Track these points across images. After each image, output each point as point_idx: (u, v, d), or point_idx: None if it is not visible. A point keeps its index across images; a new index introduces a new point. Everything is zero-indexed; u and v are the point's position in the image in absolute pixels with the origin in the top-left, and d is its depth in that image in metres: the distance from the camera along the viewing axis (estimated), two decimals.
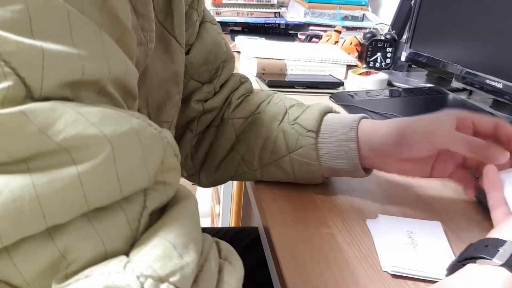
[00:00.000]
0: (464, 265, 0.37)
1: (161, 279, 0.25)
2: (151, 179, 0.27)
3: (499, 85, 0.82)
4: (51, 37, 0.23)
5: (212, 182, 0.63)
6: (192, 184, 0.68)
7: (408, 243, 0.47)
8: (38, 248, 0.24)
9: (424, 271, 0.43)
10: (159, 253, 0.25)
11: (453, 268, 0.38)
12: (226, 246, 0.34)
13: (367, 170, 0.55)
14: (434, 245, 0.47)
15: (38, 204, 0.23)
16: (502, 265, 0.34)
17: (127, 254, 0.26)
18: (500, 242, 0.36)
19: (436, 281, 0.42)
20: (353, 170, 0.54)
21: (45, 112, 0.23)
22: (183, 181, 0.63)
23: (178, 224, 0.28)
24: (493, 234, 0.39)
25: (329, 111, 0.57)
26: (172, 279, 0.25)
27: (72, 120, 0.24)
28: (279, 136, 0.55)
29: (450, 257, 0.46)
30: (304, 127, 0.54)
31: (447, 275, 0.39)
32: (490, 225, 0.52)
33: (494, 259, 0.35)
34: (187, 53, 0.56)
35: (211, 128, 0.61)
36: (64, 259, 0.24)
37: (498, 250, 0.35)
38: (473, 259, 0.37)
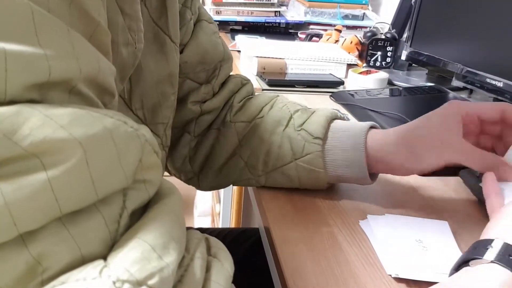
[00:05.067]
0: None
1: (138, 283, 0.24)
2: (129, 178, 0.26)
3: (500, 84, 0.82)
4: (14, 38, 0.22)
5: (213, 186, 0.62)
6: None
7: (411, 245, 0.46)
8: (12, 256, 0.23)
9: (431, 275, 0.42)
10: (137, 255, 0.25)
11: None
12: (216, 243, 0.33)
13: (373, 177, 0.55)
14: (440, 245, 0.47)
15: (8, 211, 0.22)
16: (492, 262, 0.35)
17: (105, 257, 0.25)
18: (488, 241, 0.37)
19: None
20: (360, 178, 0.54)
21: (10, 117, 0.22)
22: (170, 179, 0.63)
23: (158, 223, 0.27)
24: (481, 236, 0.39)
25: (335, 117, 0.56)
26: (150, 282, 0.24)
27: (40, 123, 0.23)
28: (285, 142, 0.55)
29: (456, 255, 0.45)
30: (311, 134, 0.53)
31: None
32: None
33: (484, 257, 0.36)
34: (181, 52, 0.55)
35: (212, 131, 0.60)
36: (40, 265, 0.23)
37: (487, 248, 0.36)
38: (465, 263, 0.37)
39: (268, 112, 0.58)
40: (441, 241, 0.48)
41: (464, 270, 0.37)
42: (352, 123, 0.55)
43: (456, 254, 0.46)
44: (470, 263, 0.37)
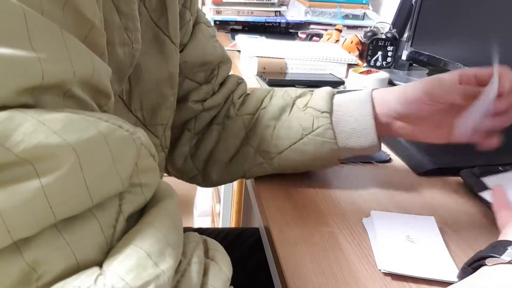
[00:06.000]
0: (474, 269, 0.38)
1: None
2: (125, 183, 0.26)
3: None
4: (6, 41, 0.22)
5: (223, 180, 0.62)
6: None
7: (403, 241, 0.47)
8: (6, 263, 0.23)
9: (420, 271, 0.43)
10: (132, 263, 0.25)
11: (464, 272, 0.39)
12: (214, 245, 0.33)
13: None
14: (429, 242, 0.47)
15: (1, 219, 0.22)
16: (510, 262, 0.35)
17: (101, 263, 0.25)
18: (507, 243, 0.37)
19: (433, 281, 0.42)
20: (370, 146, 0.55)
21: (2, 123, 0.22)
22: (170, 179, 0.62)
23: (154, 229, 0.27)
24: (500, 238, 0.39)
25: (335, 93, 0.58)
26: None
27: (32, 129, 0.22)
28: (293, 121, 0.56)
29: (445, 255, 0.46)
30: (318, 110, 0.55)
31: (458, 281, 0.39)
32: (489, 223, 0.52)
33: (502, 257, 0.35)
34: (181, 51, 0.55)
35: (214, 127, 0.60)
36: (35, 272, 0.23)
37: (506, 249, 0.36)
38: (481, 259, 0.37)
39: (269, 102, 0.59)
40: (427, 236, 0.48)
41: (481, 270, 0.37)
42: (354, 94, 0.57)
43: (442, 249, 0.46)
44: (487, 261, 0.37)
